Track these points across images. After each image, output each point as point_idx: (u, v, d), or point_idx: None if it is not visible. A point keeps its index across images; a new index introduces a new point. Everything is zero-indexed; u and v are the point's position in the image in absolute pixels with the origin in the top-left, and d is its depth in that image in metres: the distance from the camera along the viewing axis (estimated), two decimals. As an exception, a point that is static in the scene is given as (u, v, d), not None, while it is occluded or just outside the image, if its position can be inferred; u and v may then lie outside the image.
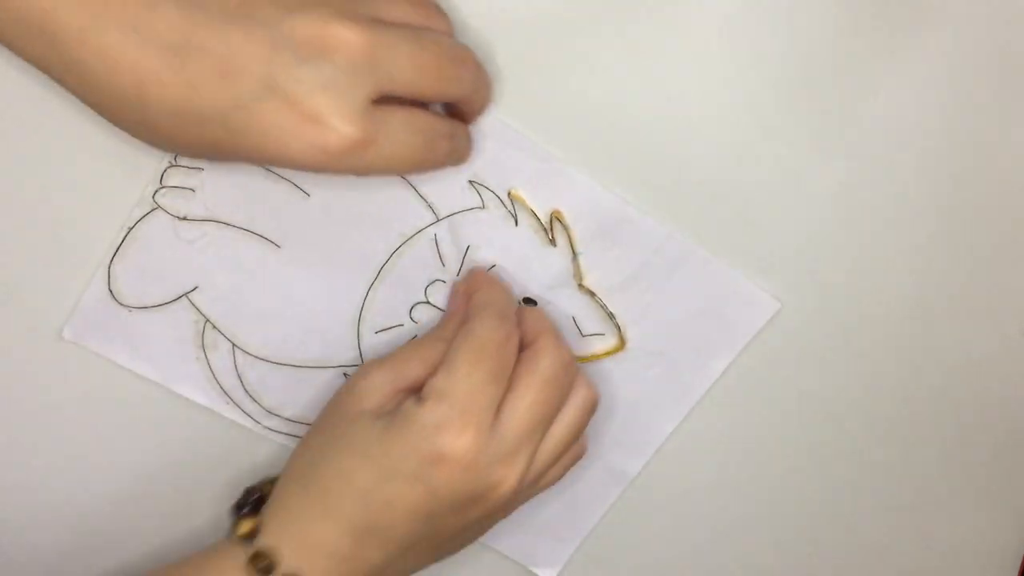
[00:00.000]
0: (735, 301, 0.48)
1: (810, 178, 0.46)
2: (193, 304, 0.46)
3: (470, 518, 0.41)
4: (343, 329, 0.47)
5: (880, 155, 0.46)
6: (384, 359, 0.43)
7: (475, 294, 0.43)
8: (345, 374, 0.48)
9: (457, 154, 0.41)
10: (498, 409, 0.40)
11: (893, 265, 0.49)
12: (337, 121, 0.34)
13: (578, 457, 0.45)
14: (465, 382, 0.40)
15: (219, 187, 0.44)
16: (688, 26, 0.43)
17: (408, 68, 0.35)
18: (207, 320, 0.46)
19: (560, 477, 0.45)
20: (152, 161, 0.43)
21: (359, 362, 0.48)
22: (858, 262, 0.48)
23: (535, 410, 0.41)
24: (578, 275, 0.47)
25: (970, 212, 0.48)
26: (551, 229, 0.46)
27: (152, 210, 0.44)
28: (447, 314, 0.45)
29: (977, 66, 0.45)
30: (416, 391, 0.41)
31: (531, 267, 0.46)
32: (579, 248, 0.46)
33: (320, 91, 0.33)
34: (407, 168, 0.37)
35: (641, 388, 0.49)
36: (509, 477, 0.40)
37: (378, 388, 0.42)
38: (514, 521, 0.51)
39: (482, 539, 0.51)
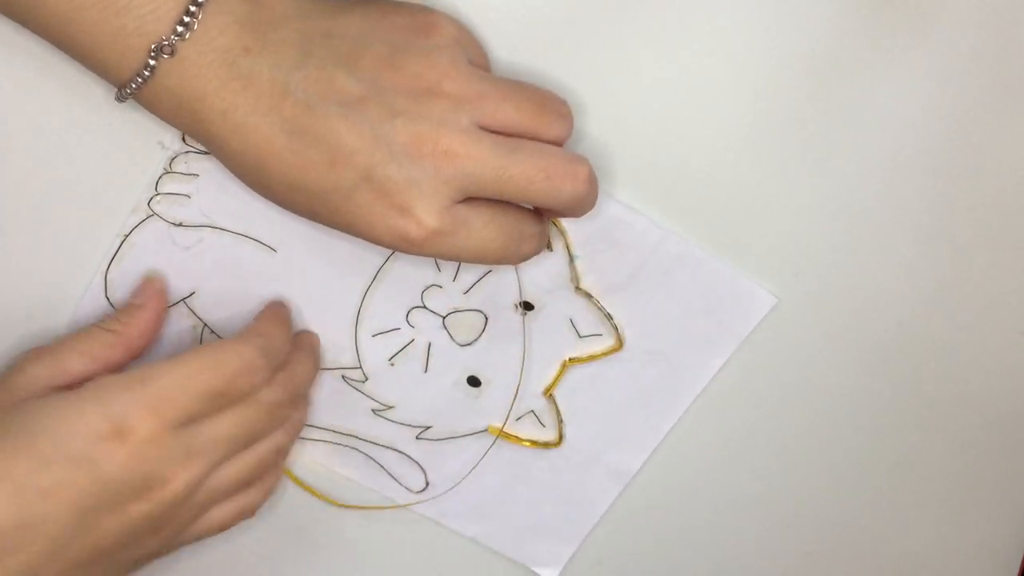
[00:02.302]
0: (731, 298, 0.48)
1: (808, 177, 0.46)
2: (191, 309, 0.46)
3: (132, 518, 0.38)
4: (340, 332, 0.47)
5: (878, 154, 0.46)
6: (44, 351, 0.41)
7: (260, 317, 0.44)
8: (343, 376, 0.48)
9: (536, 252, 0.43)
10: (197, 417, 0.39)
11: (892, 264, 0.48)
12: (420, 214, 0.38)
13: (246, 511, 0.44)
14: (179, 379, 0.39)
15: (214, 193, 0.44)
16: (686, 26, 0.43)
17: (494, 180, 0.38)
18: (205, 325, 0.46)
19: (222, 526, 0.43)
20: (147, 168, 0.43)
21: (357, 365, 0.48)
22: (856, 261, 0.48)
23: (234, 427, 0.41)
24: (575, 278, 0.47)
25: (970, 212, 0.47)
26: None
27: (148, 217, 0.44)
28: (126, 307, 0.44)
29: (977, 66, 0.44)
30: (77, 387, 0.39)
31: (528, 271, 0.46)
32: (576, 251, 0.46)
33: (407, 188, 0.37)
34: (484, 261, 0.40)
35: (639, 387, 0.49)
36: (180, 476, 0.39)
37: (33, 384, 0.40)
38: (514, 521, 0.51)
39: (482, 540, 0.52)
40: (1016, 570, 0.56)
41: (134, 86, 0.38)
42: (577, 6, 0.43)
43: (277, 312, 0.45)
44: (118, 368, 0.42)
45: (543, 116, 0.40)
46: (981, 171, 0.46)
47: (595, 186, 0.41)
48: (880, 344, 0.50)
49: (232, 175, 0.40)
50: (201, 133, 0.39)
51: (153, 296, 0.44)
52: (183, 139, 0.43)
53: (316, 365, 0.46)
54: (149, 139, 0.43)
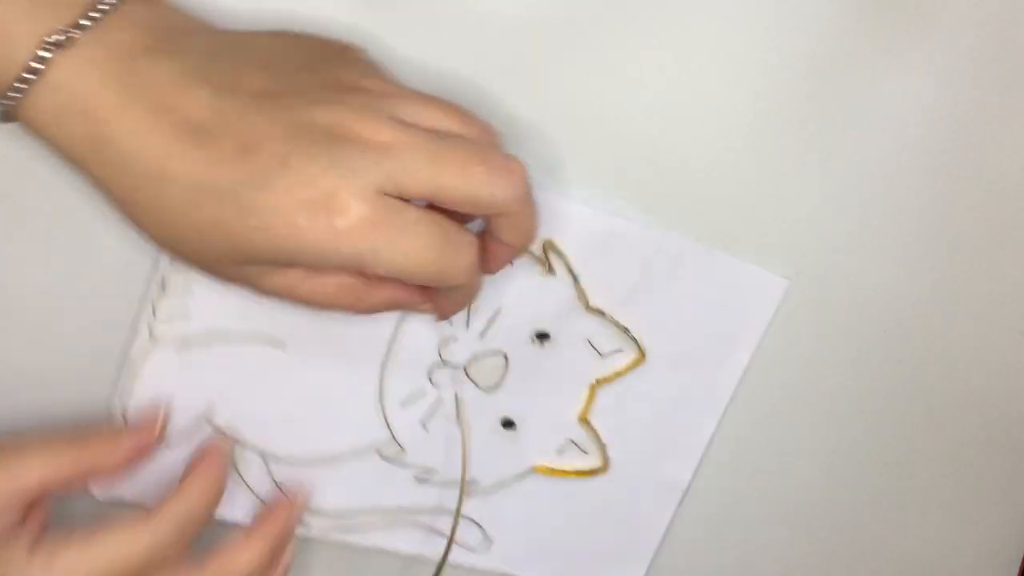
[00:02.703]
0: (743, 287, 0.48)
1: (808, 177, 0.46)
2: (214, 426, 0.45)
3: None
4: (367, 411, 0.46)
5: (878, 154, 0.46)
6: (5, 455, 0.38)
7: (183, 485, 0.41)
8: (379, 453, 0.47)
9: (474, 266, 0.38)
10: None
11: (892, 265, 0.49)
12: (346, 198, 0.34)
13: None
14: (83, 568, 0.38)
15: (215, 299, 0.43)
16: (686, 26, 0.43)
17: (426, 164, 0.35)
18: (227, 436, 0.45)
19: None
20: (140, 295, 0.43)
21: (391, 438, 0.47)
22: (856, 261, 0.49)
23: None
24: (583, 298, 0.47)
25: (970, 212, 0.48)
26: (547, 259, 0.46)
27: (152, 345, 0.43)
28: (112, 431, 0.42)
29: (977, 66, 0.45)
30: (38, 503, 0.39)
31: (535, 301, 0.46)
32: (578, 271, 0.46)
33: (332, 170, 0.34)
34: (420, 268, 0.36)
35: (671, 395, 0.49)
36: None
37: None
38: (579, 554, 0.51)
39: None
40: (1016, 570, 0.56)
41: (22, 88, 0.33)
42: (577, 6, 0.42)
43: (203, 476, 0.42)
44: (78, 486, 0.40)
45: (473, 124, 0.37)
46: (981, 171, 0.47)
47: (531, 191, 0.38)
48: (880, 344, 0.50)
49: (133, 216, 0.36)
50: (92, 143, 0.34)
51: (143, 433, 0.42)
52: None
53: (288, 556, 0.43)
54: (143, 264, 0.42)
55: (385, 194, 0.34)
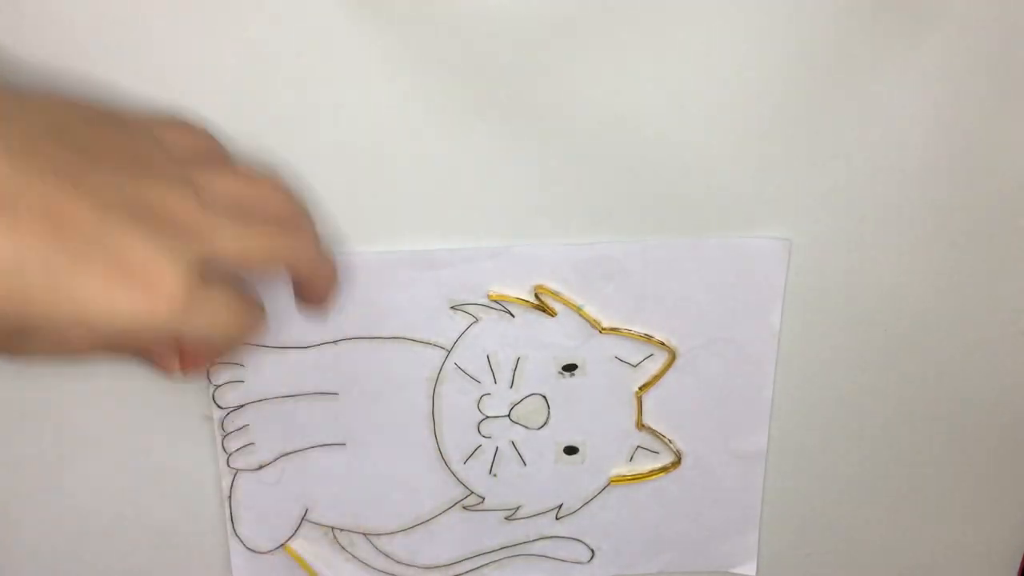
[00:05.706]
0: (747, 260, 0.47)
1: (807, 178, 0.45)
2: (314, 523, 0.51)
3: None
4: (438, 474, 0.50)
5: (878, 154, 0.45)
6: None
7: None
8: (464, 507, 0.51)
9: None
10: None
11: (892, 265, 0.47)
12: (163, 276, 0.34)
13: None
14: None
15: (271, 428, 0.49)
16: (686, 26, 0.42)
17: (233, 243, 0.36)
18: (333, 528, 0.51)
19: None
20: (203, 438, 0.49)
21: (468, 492, 0.51)
22: (855, 262, 0.47)
23: None
24: (595, 323, 0.48)
25: (970, 212, 0.46)
26: (543, 303, 0.47)
27: (234, 475, 0.50)
28: None
29: (977, 66, 0.43)
30: None
31: (550, 342, 0.48)
32: (578, 303, 0.47)
33: (150, 249, 0.34)
34: (222, 341, 0.37)
35: (716, 378, 0.49)
36: None
37: None
38: (687, 540, 0.53)
39: (669, 569, 0.53)
40: (1016, 570, 0.55)
41: None
42: (576, 6, 0.42)
43: None
44: None
45: (279, 197, 0.40)
46: (981, 171, 0.45)
47: (324, 256, 0.41)
48: (879, 344, 0.49)
49: None
50: None
51: None
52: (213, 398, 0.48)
53: None
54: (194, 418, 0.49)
55: (195, 271, 0.35)
